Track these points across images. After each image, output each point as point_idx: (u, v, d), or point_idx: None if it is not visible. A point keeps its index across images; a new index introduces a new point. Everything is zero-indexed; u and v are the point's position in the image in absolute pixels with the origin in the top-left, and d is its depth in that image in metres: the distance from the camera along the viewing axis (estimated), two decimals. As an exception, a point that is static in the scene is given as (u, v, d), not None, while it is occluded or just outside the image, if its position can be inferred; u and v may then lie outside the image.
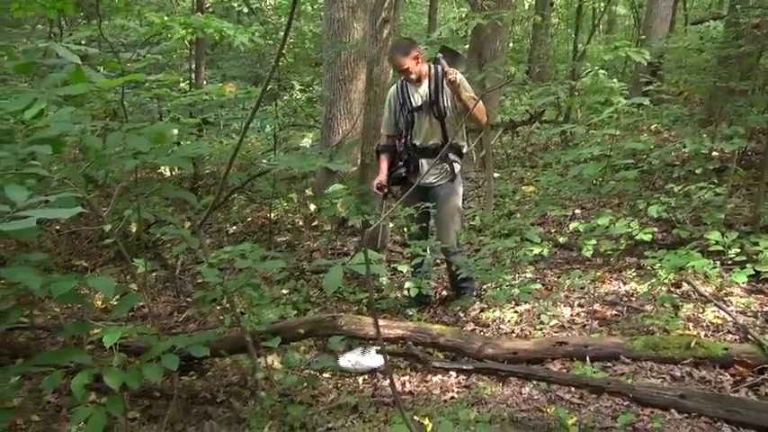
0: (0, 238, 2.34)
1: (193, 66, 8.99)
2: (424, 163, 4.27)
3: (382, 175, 4.37)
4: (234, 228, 6.37)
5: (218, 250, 3.26)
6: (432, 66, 4.21)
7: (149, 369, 2.91)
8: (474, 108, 3.89)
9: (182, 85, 9.78)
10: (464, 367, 3.39)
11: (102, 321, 4.41)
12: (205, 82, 10.17)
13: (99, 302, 4.80)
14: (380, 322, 3.76)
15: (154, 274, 5.54)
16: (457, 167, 4.33)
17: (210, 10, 11.09)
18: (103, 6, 4.23)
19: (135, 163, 3.27)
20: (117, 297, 4.15)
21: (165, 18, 4.07)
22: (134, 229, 6.07)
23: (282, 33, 9.75)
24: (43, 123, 3.16)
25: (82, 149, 4.14)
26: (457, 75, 3.93)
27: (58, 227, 6.04)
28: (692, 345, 3.31)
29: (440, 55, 4.11)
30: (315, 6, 10.40)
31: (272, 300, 3.71)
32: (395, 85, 4.37)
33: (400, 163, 4.32)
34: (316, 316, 4.00)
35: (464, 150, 4.41)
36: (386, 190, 4.36)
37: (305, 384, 3.26)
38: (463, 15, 5.94)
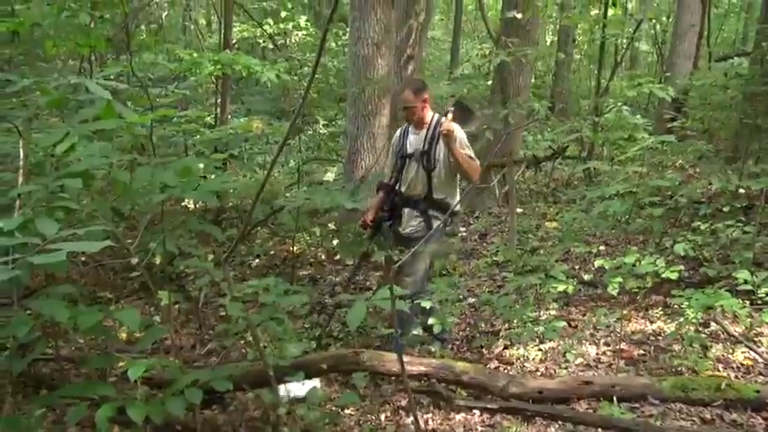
0: (29, 270, 2.36)
1: (219, 100, 9.15)
2: (406, 212, 4.23)
3: (370, 214, 4.37)
4: (257, 261, 6.39)
5: (243, 284, 3.27)
6: (436, 117, 4.15)
7: (173, 403, 2.91)
8: (465, 165, 3.89)
9: (207, 119, 9.95)
10: (489, 406, 3.34)
11: (125, 353, 4.43)
12: (230, 116, 10.34)
13: (123, 334, 4.82)
14: (404, 358, 3.72)
15: (177, 306, 5.56)
16: (435, 223, 4.16)
17: (237, 46, 11.32)
18: (133, 43, 4.33)
19: (163, 196, 3.31)
20: (141, 329, 4.17)
21: (195, 55, 4.15)
22: (158, 262, 6.14)
23: (307, 69, 9.91)
24: (74, 158, 3.22)
25: (110, 183, 4.20)
26: (453, 128, 3.87)
27: (83, 258, 6.09)
28: (723, 386, 3.24)
29: (451, 109, 4.02)
30: (339, 43, 10.57)
31: (295, 334, 3.70)
32: (400, 129, 4.37)
33: (386, 208, 4.30)
34: (338, 351, 3.98)
35: (455, 209, 4.24)
36: (368, 229, 4.35)
37: (327, 420, 3.23)
38: (486, 52, 5.98)
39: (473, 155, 4.08)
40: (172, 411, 2.88)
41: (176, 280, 6.05)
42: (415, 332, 4.31)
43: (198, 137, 4.04)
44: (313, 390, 3.68)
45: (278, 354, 3.43)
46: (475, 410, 3.44)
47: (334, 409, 3.56)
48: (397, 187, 4.28)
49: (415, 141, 4.17)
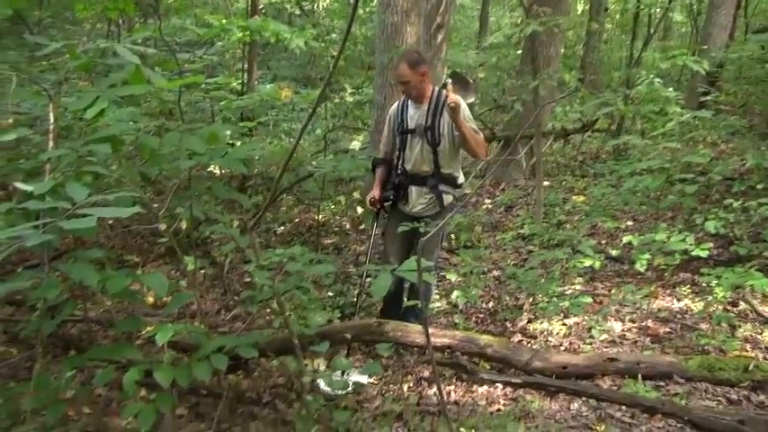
0: (59, 234, 2.38)
1: (246, 66, 9.12)
2: (413, 190, 4.08)
3: (376, 190, 4.24)
4: (282, 228, 6.42)
5: (269, 252, 3.28)
6: (436, 90, 4.00)
7: (199, 368, 2.94)
8: (471, 139, 3.77)
9: (234, 84, 9.93)
10: (512, 380, 3.34)
11: (152, 317, 4.49)
12: (257, 82, 10.31)
13: (150, 298, 4.88)
14: (429, 330, 3.73)
15: (202, 271, 5.61)
16: (447, 199, 4.06)
17: (263, 11, 11.24)
18: (162, 7, 4.30)
19: (191, 163, 3.31)
20: (168, 294, 4.21)
21: (224, 21, 4.11)
22: (185, 227, 6.18)
23: (335, 35, 9.82)
24: (103, 123, 3.23)
25: (138, 148, 4.22)
26: (459, 101, 3.69)
27: (111, 222, 6.16)
28: (751, 367, 3.20)
29: (449, 80, 3.86)
30: (367, 9, 10.42)
31: (320, 303, 3.71)
32: (397, 102, 4.19)
33: (390, 186, 4.17)
34: (362, 321, 3.99)
35: (459, 182, 4.13)
36: (378, 206, 4.24)
37: (350, 390, 3.25)
38: (518, 21, 5.86)
39: (476, 128, 3.96)
40: (198, 376, 2.91)
41: (202, 245, 6.10)
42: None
43: (224, 103, 4.01)
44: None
45: (302, 322, 3.45)
46: (498, 384, 3.44)
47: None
48: (399, 165, 4.13)
49: (416, 116, 4.01)
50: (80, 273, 2.68)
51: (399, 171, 4.13)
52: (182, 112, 4.16)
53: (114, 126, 3.18)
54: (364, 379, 3.65)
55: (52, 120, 3.15)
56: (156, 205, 3.28)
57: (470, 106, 4.10)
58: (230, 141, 4.28)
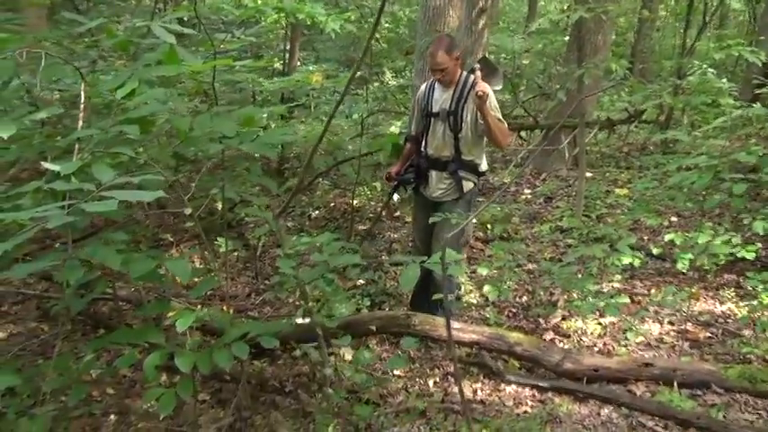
0: (83, 216, 2.35)
1: (288, 47, 9.07)
2: (433, 175, 3.99)
3: (397, 166, 4.17)
4: (316, 212, 6.37)
5: (296, 240, 3.21)
6: (464, 75, 3.89)
7: (220, 355, 2.91)
8: (494, 128, 3.66)
9: (276, 65, 9.88)
10: (540, 384, 3.24)
11: (182, 297, 4.49)
12: (299, 63, 10.25)
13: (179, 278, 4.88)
14: (455, 325, 3.64)
15: (235, 254, 5.60)
16: (467, 186, 3.97)
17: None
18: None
19: (220, 147, 3.27)
20: (199, 276, 4.19)
21: (259, 2, 4.04)
22: (219, 208, 6.18)
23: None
24: (134, 104, 3.20)
25: (172, 129, 4.20)
26: (487, 89, 3.59)
27: (148, 201, 6.18)
28: (795, 380, 3.03)
29: (477, 66, 3.76)
30: (412, -9, 10.26)
31: (346, 293, 3.65)
32: (424, 85, 4.11)
33: (411, 168, 4.07)
34: (390, 313, 3.92)
35: (481, 169, 4.03)
36: (394, 182, 4.15)
37: (374, 383, 3.19)
38: (565, 7, 5.66)
39: (501, 117, 3.85)
40: (218, 363, 2.88)
41: (237, 227, 6.09)
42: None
43: (263, 85, 3.95)
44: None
45: (327, 312, 3.39)
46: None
47: (381, 371, 3.52)
48: (422, 148, 4.06)
49: (441, 100, 3.91)
50: (102, 255, 2.66)
51: (422, 154, 4.06)
52: (216, 94, 4.13)
53: (144, 107, 3.13)
54: None
55: (83, 98, 3.12)
56: (189, 185, 3.24)
57: (497, 93, 4.01)
58: (264, 126, 4.21)
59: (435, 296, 3.95)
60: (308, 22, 4.30)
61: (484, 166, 4.07)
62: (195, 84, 4.05)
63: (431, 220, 3.68)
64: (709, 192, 3.66)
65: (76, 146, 3.07)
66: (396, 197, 4.58)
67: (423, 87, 4.12)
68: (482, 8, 4.69)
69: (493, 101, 3.74)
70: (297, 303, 4.47)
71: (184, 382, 2.97)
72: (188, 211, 2.97)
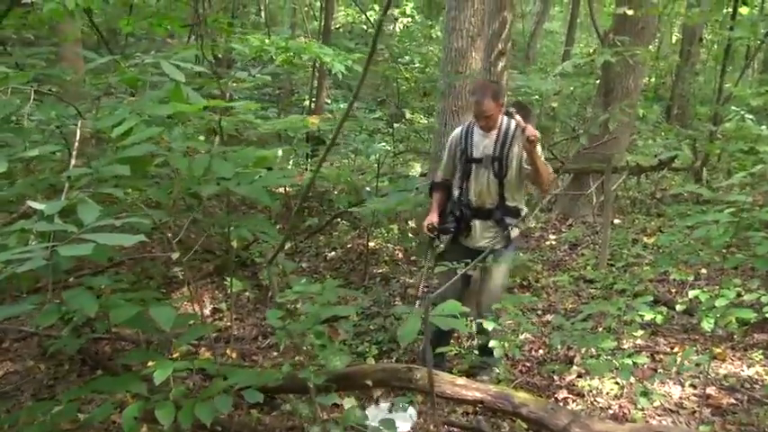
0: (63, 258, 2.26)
1: (316, 85, 9.09)
2: (477, 224, 3.86)
3: (434, 216, 3.96)
4: (333, 253, 6.25)
5: (288, 288, 3.08)
6: (504, 119, 3.78)
7: (202, 409, 2.78)
8: (542, 172, 3.57)
9: (305, 103, 9.92)
10: (538, 455, 3.01)
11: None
12: (330, 101, 10.27)
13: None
14: (459, 381, 3.44)
15: (246, 293, 5.50)
16: (514, 233, 3.87)
17: (340, 29, 11.24)
18: (204, 26, 4.24)
19: (217, 189, 3.18)
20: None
21: (267, 41, 3.99)
22: (235, 246, 6.12)
23: (407, 57, 9.68)
24: (129, 142, 3.13)
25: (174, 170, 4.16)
26: (537, 133, 3.47)
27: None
28: (824, 460, 2.76)
29: (512, 110, 3.66)
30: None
31: (341, 344, 3.49)
32: (459, 129, 3.97)
33: (451, 217, 3.90)
34: (391, 366, 3.74)
35: (522, 213, 3.91)
36: (436, 233, 3.95)
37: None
38: (591, 50, 5.51)
39: (545, 160, 3.75)
40: (200, 417, 2.74)
41: (251, 266, 6.00)
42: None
43: (258, 126, 3.91)
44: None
45: (318, 366, 3.23)
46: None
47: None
48: (460, 195, 3.91)
49: (482, 145, 3.79)
50: (80, 301, 2.57)
51: (463, 202, 3.89)
52: (222, 133, 4.08)
53: (139, 147, 3.06)
54: (407, 426, 3.41)
55: (78, 137, 3.08)
56: (181, 227, 3.14)
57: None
58: (270, 167, 4.11)
59: (441, 349, 3.78)
60: (320, 63, 4.26)
61: (524, 210, 3.96)
62: (204, 123, 4.00)
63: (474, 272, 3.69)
64: (729, 251, 3.45)
65: (66, 185, 3.02)
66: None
67: (458, 131, 3.99)
68: (501, 51, 4.59)
69: (538, 145, 3.63)
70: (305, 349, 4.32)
71: (166, 435, 2.84)
72: (175, 255, 2.87)
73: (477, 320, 3.79)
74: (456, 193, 3.95)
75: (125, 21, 3.60)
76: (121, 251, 5.08)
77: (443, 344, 3.97)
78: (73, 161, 3.01)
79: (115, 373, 3.59)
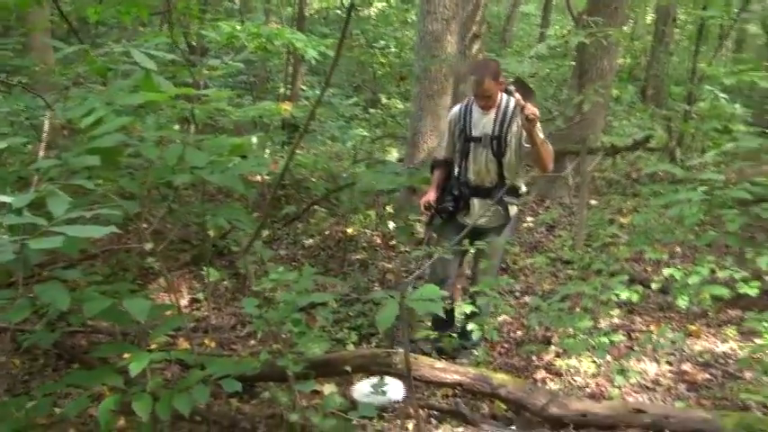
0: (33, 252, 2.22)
1: (291, 72, 9.01)
2: (476, 203, 3.88)
3: (432, 194, 3.98)
4: (310, 241, 6.22)
5: (265, 276, 3.07)
6: (504, 97, 3.77)
7: (180, 400, 2.77)
8: (542, 151, 3.56)
9: (281, 90, 9.83)
10: (516, 435, 3.04)
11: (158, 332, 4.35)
12: (305, 87, 10.20)
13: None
14: (438, 364, 3.47)
15: (224, 283, 5.46)
16: (512, 210, 3.90)
17: (315, 15, 11.14)
18: (177, 14, 4.18)
19: (191, 178, 3.14)
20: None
21: (239, 28, 3.94)
22: (212, 235, 6.07)
23: (383, 42, 9.64)
24: (99, 133, 3.08)
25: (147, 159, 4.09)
26: (537, 112, 3.45)
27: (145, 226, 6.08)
28: (796, 432, 2.82)
29: (512, 88, 3.62)
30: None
31: (321, 331, 3.49)
32: (458, 107, 3.95)
33: (449, 196, 3.91)
34: (371, 351, 3.75)
35: (522, 191, 3.97)
36: (433, 211, 3.96)
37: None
38: (565, 32, 5.52)
39: (545, 138, 3.73)
40: (178, 408, 2.73)
41: (228, 255, 5.96)
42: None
43: (231, 114, 3.88)
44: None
45: (304, 349, 3.23)
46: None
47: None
48: (459, 174, 3.92)
49: (481, 123, 3.79)
50: (50, 295, 2.53)
51: (461, 181, 3.90)
52: (195, 122, 4.02)
53: (109, 137, 3.01)
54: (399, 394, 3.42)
55: (46, 128, 3.03)
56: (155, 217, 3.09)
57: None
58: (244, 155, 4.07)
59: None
60: (292, 49, 4.22)
61: (524, 188, 4.00)
62: (176, 112, 3.94)
63: (472, 248, 3.63)
64: (705, 227, 3.48)
65: (36, 177, 2.97)
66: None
67: (456, 110, 3.97)
68: (475, 34, 4.58)
69: (538, 123, 3.61)
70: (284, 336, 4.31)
71: (144, 427, 2.83)
72: (149, 246, 2.84)
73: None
74: (455, 171, 3.96)
75: (93, 9, 3.54)
76: (95, 243, 5.02)
77: (448, 327, 4.03)
78: (42, 152, 2.97)
79: (91, 367, 3.57)
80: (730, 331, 4.11)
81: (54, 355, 4.16)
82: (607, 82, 6.79)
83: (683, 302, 3.88)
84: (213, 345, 4.45)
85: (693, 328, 4.16)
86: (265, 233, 6.09)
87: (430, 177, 4.21)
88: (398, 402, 3.43)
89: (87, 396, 2.78)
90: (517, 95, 3.55)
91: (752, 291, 3.71)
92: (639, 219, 4.71)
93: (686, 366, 3.75)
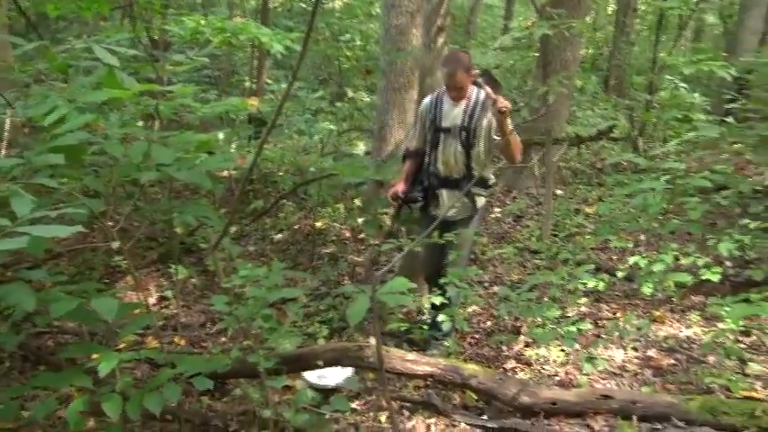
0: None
1: (257, 66, 8.93)
2: (444, 194, 3.92)
3: (400, 185, 4.03)
4: (279, 235, 6.20)
5: (232, 275, 3.05)
6: (474, 89, 3.80)
7: (150, 399, 2.74)
8: (512, 143, 3.60)
9: (246, 84, 9.74)
10: (488, 425, 3.08)
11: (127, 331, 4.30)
12: (271, 81, 10.12)
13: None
14: (409, 356, 3.49)
15: (193, 280, 5.42)
16: (480, 201, 3.94)
17: (279, 8, 11.05)
18: (139, 8, 4.12)
19: (157, 175, 3.11)
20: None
21: (203, 22, 3.90)
22: (180, 232, 6.02)
23: (348, 35, 9.59)
24: (62, 131, 3.03)
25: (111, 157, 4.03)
26: (508, 104, 3.49)
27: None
28: (757, 413, 2.90)
29: (480, 80, 3.68)
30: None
31: (292, 326, 3.49)
32: (429, 97, 3.99)
33: (419, 187, 3.97)
34: (342, 344, 3.75)
35: (490, 182, 4.01)
36: (400, 202, 4.01)
37: (316, 426, 3.02)
38: (529, 23, 5.57)
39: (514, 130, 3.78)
40: (149, 408, 2.71)
41: (196, 252, 5.91)
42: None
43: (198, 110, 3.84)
44: (350, 378, 3.59)
45: (276, 345, 3.23)
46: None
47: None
48: (428, 165, 3.96)
49: (451, 115, 3.82)
50: (15, 296, 2.49)
51: (431, 171, 3.94)
52: (160, 118, 3.97)
53: (73, 135, 2.96)
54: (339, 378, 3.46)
55: (7, 126, 2.97)
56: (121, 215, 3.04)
57: None
58: (211, 151, 4.03)
59: (441, 317, 3.80)
60: (256, 43, 4.18)
61: (492, 180, 4.03)
62: (140, 108, 3.89)
63: (443, 238, 3.69)
64: (668, 215, 3.56)
65: (-3, 177, 2.91)
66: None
67: (428, 100, 4.00)
68: (440, 27, 4.59)
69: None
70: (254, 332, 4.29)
71: (113, 428, 2.80)
72: (115, 245, 2.81)
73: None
74: (426, 162, 3.99)
75: (52, 4, 3.47)
76: (60, 243, 4.94)
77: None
78: (3, 151, 2.91)
79: (58, 368, 3.52)
80: (694, 317, 4.20)
81: (20, 357, 4.08)
82: (570, 73, 6.86)
83: (647, 289, 3.96)
84: (183, 343, 4.42)
85: (658, 314, 4.24)
86: (234, 229, 6.06)
87: (397, 170, 4.23)
88: (341, 387, 3.47)
89: (55, 398, 2.74)
90: (487, 88, 3.60)
91: (714, 277, 3.81)
92: (604, 208, 4.80)
93: (652, 352, 3.82)
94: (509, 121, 3.62)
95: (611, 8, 17.51)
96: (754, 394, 3.24)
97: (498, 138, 3.68)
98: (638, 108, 8.54)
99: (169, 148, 3.16)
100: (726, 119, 7.28)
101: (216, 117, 6.75)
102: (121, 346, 3.96)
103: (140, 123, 4.32)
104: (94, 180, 3.32)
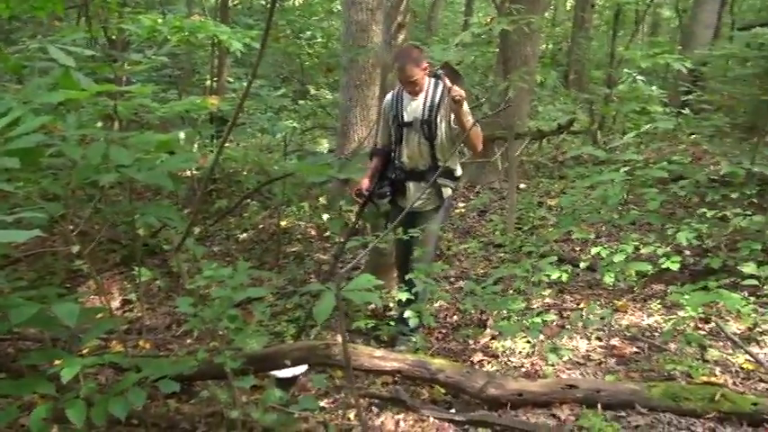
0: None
1: (217, 65, 8.82)
2: (411, 186, 3.97)
3: (364, 182, 4.06)
4: (244, 235, 6.16)
5: (197, 276, 3.02)
6: (431, 82, 3.86)
7: (115, 404, 2.70)
8: (470, 132, 3.61)
9: (207, 83, 9.63)
10: (456, 419, 3.10)
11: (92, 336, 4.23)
12: (232, 80, 10.02)
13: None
14: (377, 353, 3.49)
15: (157, 282, 5.35)
16: (446, 192, 3.99)
17: (238, 5, 10.94)
18: (95, 7, 4.05)
19: (116, 177, 3.06)
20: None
21: (160, 21, 3.85)
22: (142, 234, 5.94)
23: (309, 33, 9.56)
24: (18, 133, 2.97)
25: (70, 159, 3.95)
26: (462, 93, 3.55)
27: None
28: (717, 397, 2.97)
29: (441, 72, 3.72)
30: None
31: (259, 326, 3.47)
32: (390, 94, 4.04)
33: (386, 181, 4.01)
34: (308, 343, 3.74)
35: (457, 174, 4.06)
36: (364, 199, 4.05)
37: (284, 424, 3.00)
38: (488, 19, 5.61)
39: (473, 120, 3.80)
40: (114, 413, 2.67)
41: (160, 254, 5.84)
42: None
43: (156, 110, 3.79)
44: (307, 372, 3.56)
45: (235, 349, 3.20)
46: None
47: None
48: (394, 159, 4.01)
49: (411, 108, 3.88)
50: (-28, 303, 2.44)
51: (397, 165, 3.99)
52: (119, 119, 3.93)
53: (29, 138, 2.90)
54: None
55: (-40, 131, 2.90)
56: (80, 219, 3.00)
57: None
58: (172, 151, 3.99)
59: (408, 313, 3.82)
60: (216, 41, 4.15)
61: (459, 171, 4.07)
62: (98, 109, 3.83)
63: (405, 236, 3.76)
64: (628, 206, 3.63)
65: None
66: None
67: (389, 97, 4.04)
68: (400, 23, 4.60)
69: (465, 105, 3.68)
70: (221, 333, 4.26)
71: (79, 434, 2.76)
72: (75, 248, 2.77)
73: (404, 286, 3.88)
74: (392, 156, 4.03)
75: (4, 4, 3.39)
76: (19, 248, 4.83)
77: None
78: (-44, 156, 2.83)
79: (20, 375, 3.44)
80: (655, 305, 4.28)
81: (-21, 365, 3.99)
82: (531, 68, 6.93)
83: (609, 279, 4.04)
84: (148, 346, 4.36)
85: (620, 303, 4.32)
86: (197, 229, 6.00)
87: (362, 167, 4.25)
88: (302, 375, 3.49)
89: (17, 406, 2.69)
90: (446, 79, 3.64)
91: (674, 266, 3.90)
92: (566, 200, 4.87)
93: (615, 341, 3.89)
94: (466, 109, 3.67)
95: (569, 4, 17.77)
96: (713, 379, 3.31)
97: (456, 127, 3.74)
98: (598, 101, 8.67)
99: (129, 148, 3.12)
100: (682, 110, 7.46)
101: (177, 117, 6.68)
102: (85, 351, 3.89)
103: (99, 124, 4.25)
104: (53, 183, 3.26)
